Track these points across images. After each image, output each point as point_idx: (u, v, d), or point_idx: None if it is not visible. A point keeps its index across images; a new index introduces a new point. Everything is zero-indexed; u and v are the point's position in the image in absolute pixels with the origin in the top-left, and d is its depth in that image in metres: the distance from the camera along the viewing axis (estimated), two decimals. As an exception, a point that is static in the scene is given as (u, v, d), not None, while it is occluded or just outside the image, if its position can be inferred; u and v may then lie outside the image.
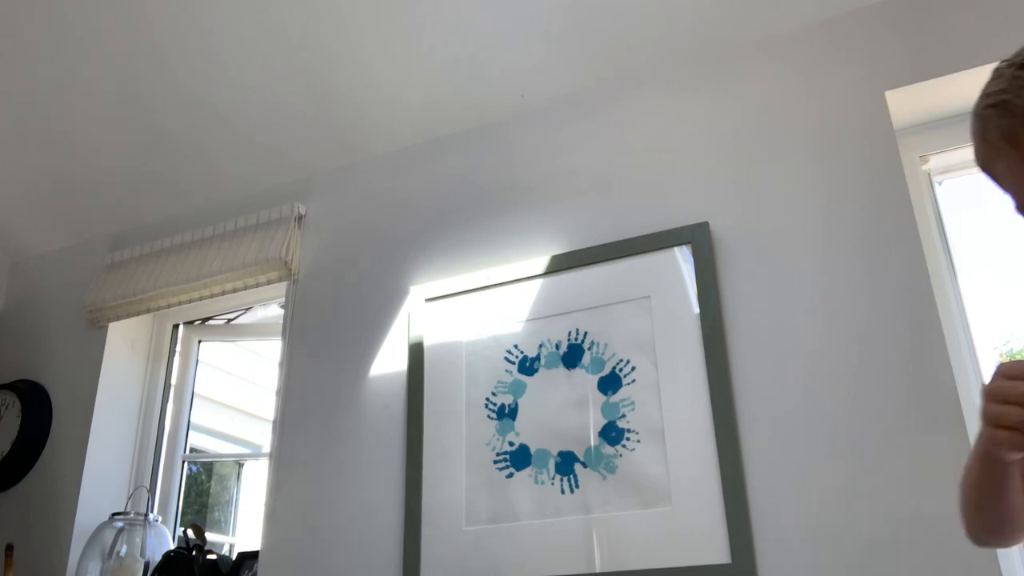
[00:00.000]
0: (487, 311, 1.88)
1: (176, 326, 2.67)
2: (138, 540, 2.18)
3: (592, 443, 1.66)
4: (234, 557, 2.10)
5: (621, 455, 1.63)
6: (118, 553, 2.15)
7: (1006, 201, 0.81)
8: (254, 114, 2.22)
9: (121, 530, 2.19)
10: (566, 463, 1.67)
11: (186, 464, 2.53)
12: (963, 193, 1.79)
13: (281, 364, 2.20)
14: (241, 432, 3.59)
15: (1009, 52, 1.60)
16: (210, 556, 2.10)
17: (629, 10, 1.86)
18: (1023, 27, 1.60)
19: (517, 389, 1.78)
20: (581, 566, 1.58)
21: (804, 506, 1.46)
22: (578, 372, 1.73)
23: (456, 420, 1.81)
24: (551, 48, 1.96)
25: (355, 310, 2.12)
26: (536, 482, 1.68)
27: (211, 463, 3.24)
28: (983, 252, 1.73)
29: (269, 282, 2.28)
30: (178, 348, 2.64)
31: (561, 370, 1.75)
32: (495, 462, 1.74)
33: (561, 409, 1.72)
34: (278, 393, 2.17)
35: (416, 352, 1.92)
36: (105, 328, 2.48)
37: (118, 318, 2.46)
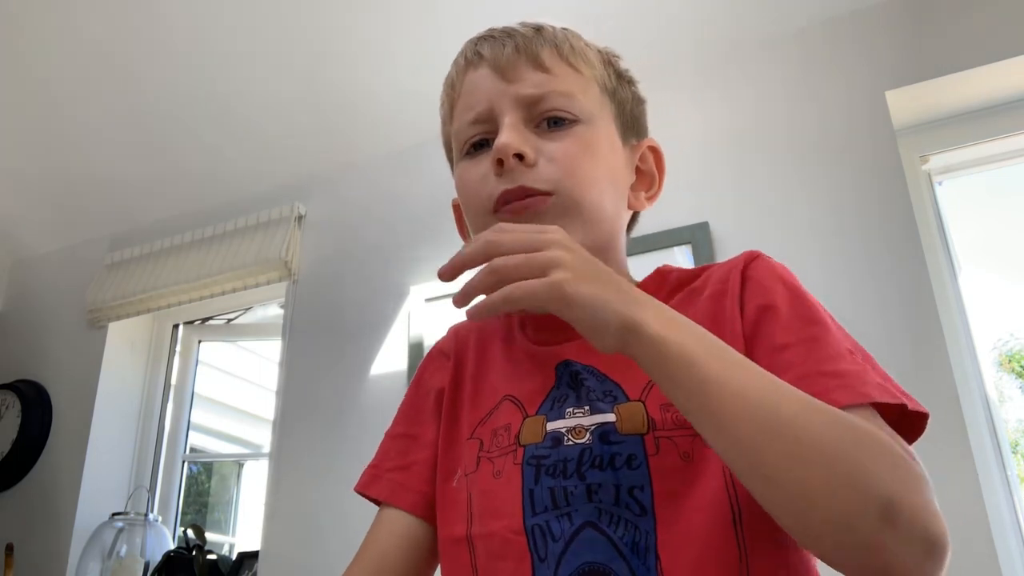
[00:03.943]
0: (487, 311, 1.88)
1: (176, 326, 2.67)
2: (138, 540, 2.18)
3: (592, 443, 1.66)
4: (234, 557, 2.11)
5: (621, 455, 1.62)
6: (118, 553, 2.15)
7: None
8: (254, 114, 2.22)
9: (121, 530, 2.19)
10: (566, 463, 1.67)
11: (186, 464, 2.53)
12: (963, 193, 1.79)
13: (281, 364, 2.20)
14: (241, 432, 3.59)
15: (1009, 51, 1.61)
16: (210, 556, 2.10)
17: (629, 11, 1.86)
18: (1023, 27, 1.60)
19: (517, 389, 1.77)
20: (581, 566, 1.58)
21: (804, 506, 1.46)
22: (578, 372, 1.73)
23: (456, 420, 1.81)
24: (551, 48, 1.96)
25: (355, 310, 2.12)
26: (536, 482, 1.68)
27: (211, 463, 3.25)
28: (983, 252, 1.74)
29: (269, 282, 2.28)
30: (178, 348, 2.64)
31: (561, 370, 1.75)
32: (495, 462, 1.74)
33: (561, 409, 1.71)
34: (278, 393, 2.17)
35: (416, 352, 1.92)
36: (105, 328, 2.48)
37: (118, 318, 2.46)
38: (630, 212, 0.78)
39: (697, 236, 1.71)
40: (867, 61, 1.72)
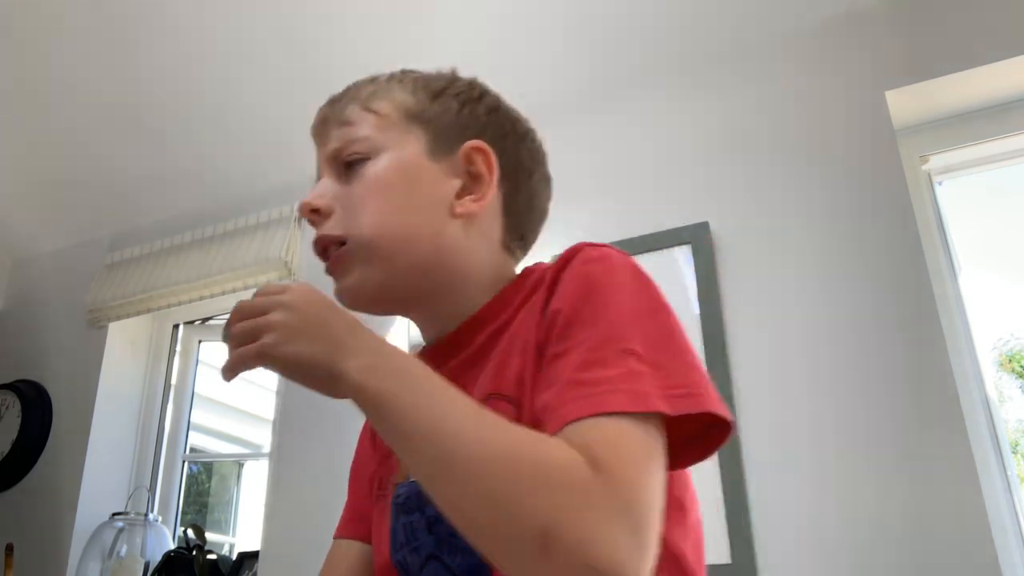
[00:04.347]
0: (487, 311, 1.88)
1: (176, 326, 2.67)
2: (138, 540, 2.18)
3: (592, 443, 1.66)
4: (234, 557, 2.10)
5: (621, 455, 1.62)
6: (118, 553, 2.15)
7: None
8: (254, 114, 2.22)
9: (121, 530, 2.19)
10: (566, 463, 1.66)
11: (186, 464, 2.53)
12: (963, 193, 1.79)
13: (281, 364, 2.20)
14: (241, 432, 3.59)
15: (1009, 51, 1.61)
16: (210, 556, 2.10)
17: (630, 11, 1.86)
18: (1023, 27, 1.60)
19: (517, 389, 1.77)
20: (581, 566, 1.58)
21: (804, 506, 1.46)
22: (578, 372, 1.73)
23: (456, 420, 1.81)
24: (552, 49, 1.96)
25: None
26: (536, 482, 1.68)
27: (211, 463, 3.24)
28: (983, 252, 1.74)
29: (269, 282, 2.28)
30: (178, 348, 2.64)
31: (561, 370, 1.75)
32: (495, 462, 1.74)
33: (561, 409, 1.71)
34: (278, 393, 2.17)
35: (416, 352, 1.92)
36: (105, 328, 2.48)
37: (118, 318, 2.46)
38: (463, 220, 0.75)
39: (697, 236, 1.71)
40: (867, 61, 1.72)
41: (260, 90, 2.16)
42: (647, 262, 1.73)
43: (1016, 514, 1.45)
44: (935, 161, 1.76)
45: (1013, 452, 1.54)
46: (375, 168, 0.74)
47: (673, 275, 1.71)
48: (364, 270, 0.73)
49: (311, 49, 2.04)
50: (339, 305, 0.64)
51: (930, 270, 1.53)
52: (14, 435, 2.39)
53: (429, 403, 0.55)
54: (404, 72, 0.82)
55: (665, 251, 1.74)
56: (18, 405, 2.42)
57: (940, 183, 1.77)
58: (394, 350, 0.60)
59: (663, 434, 0.56)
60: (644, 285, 0.65)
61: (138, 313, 2.45)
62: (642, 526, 0.50)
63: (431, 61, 2.01)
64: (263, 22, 1.99)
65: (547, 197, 0.85)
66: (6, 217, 2.66)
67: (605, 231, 1.83)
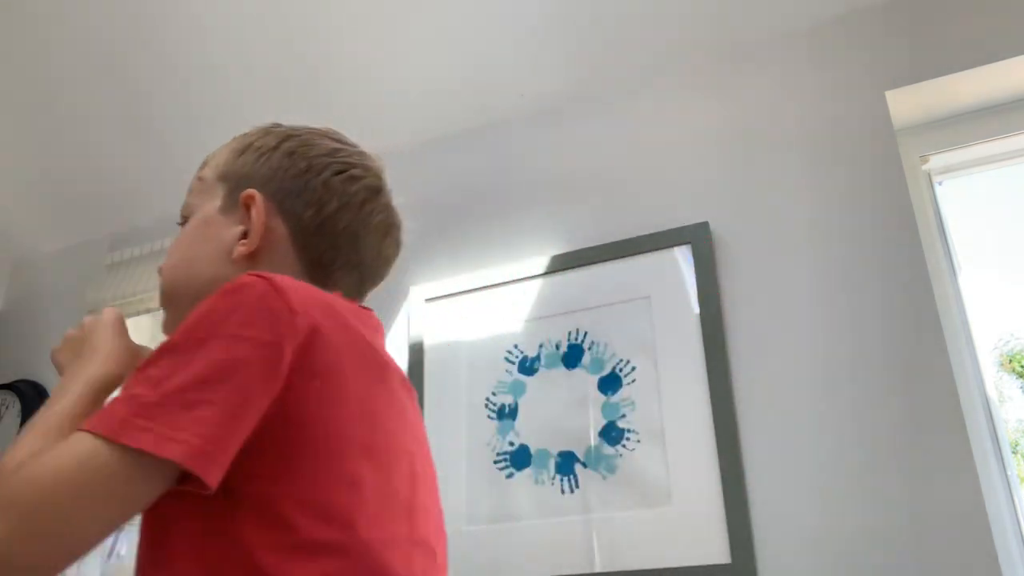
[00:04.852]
0: (487, 311, 1.88)
1: (176, 326, 2.67)
2: (138, 540, 2.18)
3: (592, 443, 1.66)
4: (234, 557, 2.10)
5: (621, 455, 1.63)
6: (118, 553, 2.15)
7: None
8: (254, 114, 2.22)
9: (121, 530, 2.19)
10: (566, 463, 1.67)
11: (186, 464, 2.53)
12: (963, 193, 1.79)
13: (281, 364, 2.20)
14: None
15: (1009, 51, 1.61)
16: (210, 556, 2.09)
17: (629, 10, 1.86)
18: (1022, 27, 1.60)
19: (517, 389, 1.78)
20: (581, 566, 1.58)
21: (804, 506, 1.46)
22: (578, 372, 1.73)
23: (456, 420, 1.81)
24: (552, 48, 1.96)
25: (355, 310, 2.12)
26: (536, 482, 1.68)
27: (211, 463, 3.24)
28: (983, 252, 1.74)
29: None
30: (178, 348, 2.63)
31: (561, 370, 1.75)
32: (495, 462, 1.74)
33: (561, 409, 1.72)
34: (278, 393, 2.17)
35: (416, 352, 1.92)
36: (105, 328, 2.48)
37: (118, 318, 2.46)
38: (243, 261, 0.85)
39: (697, 236, 1.71)
40: (867, 61, 1.72)
41: (259, 90, 2.16)
42: (647, 262, 1.74)
43: (1016, 514, 1.45)
44: (935, 161, 1.76)
45: (1013, 452, 1.54)
46: (185, 231, 0.91)
47: (673, 275, 1.71)
48: (166, 314, 0.90)
49: (310, 51, 2.04)
50: (113, 329, 0.82)
51: (930, 270, 1.53)
52: (14, 435, 2.38)
53: (45, 409, 0.72)
54: (243, 135, 0.98)
55: (665, 251, 1.74)
56: (18, 405, 2.42)
57: (940, 183, 1.77)
58: (95, 368, 0.77)
59: (127, 454, 0.62)
60: (220, 317, 0.69)
61: (138, 313, 2.45)
62: (12, 518, 0.59)
63: (432, 62, 2.01)
64: (263, 23, 1.99)
65: (358, 220, 0.91)
66: (6, 217, 2.65)
67: (605, 231, 1.84)
